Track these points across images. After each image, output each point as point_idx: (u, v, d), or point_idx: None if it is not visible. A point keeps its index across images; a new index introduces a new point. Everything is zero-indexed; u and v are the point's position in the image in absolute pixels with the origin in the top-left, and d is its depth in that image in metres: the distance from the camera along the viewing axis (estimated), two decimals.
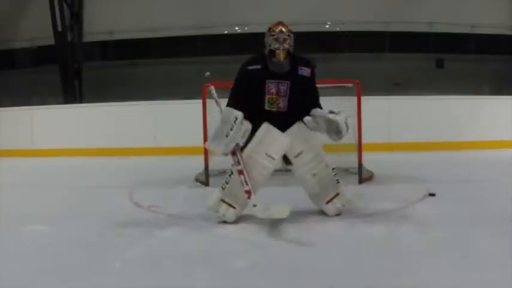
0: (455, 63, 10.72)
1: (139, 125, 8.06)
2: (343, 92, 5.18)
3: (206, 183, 4.91)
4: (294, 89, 3.32)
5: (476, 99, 8.28)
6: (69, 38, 10.94)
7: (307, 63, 3.42)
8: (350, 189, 4.49)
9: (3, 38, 11.33)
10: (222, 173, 4.82)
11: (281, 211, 3.02)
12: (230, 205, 3.29)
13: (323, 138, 3.46)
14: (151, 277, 2.35)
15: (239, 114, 3.17)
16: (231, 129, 3.12)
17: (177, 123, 7.63)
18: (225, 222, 3.28)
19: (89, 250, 2.80)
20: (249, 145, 3.26)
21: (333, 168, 3.43)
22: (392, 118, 7.53)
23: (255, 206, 2.89)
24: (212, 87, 3.48)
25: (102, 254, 2.74)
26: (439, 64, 10.99)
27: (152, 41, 11.20)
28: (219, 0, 10.89)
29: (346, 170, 5.18)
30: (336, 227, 3.18)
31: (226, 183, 3.30)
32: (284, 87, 3.31)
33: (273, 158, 3.27)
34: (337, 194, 3.39)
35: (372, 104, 5.00)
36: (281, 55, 3.32)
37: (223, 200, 3.29)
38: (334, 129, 3.22)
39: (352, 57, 10.56)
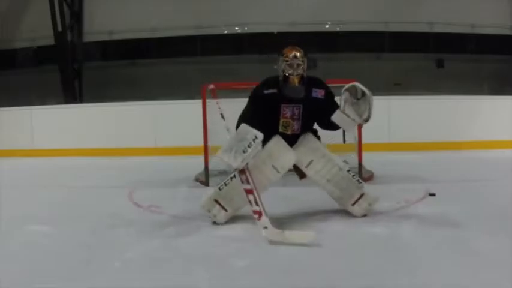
0: (455, 63, 10.72)
1: (139, 125, 8.06)
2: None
3: (206, 183, 4.91)
4: (307, 111, 3.34)
5: (476, 99, 8.28)
6: (69, 37, 10.94)
7: (321, 85, 3.41)
8: None
9: (3, 38, 11.33)
10: (222, 173, 4.83)
11: (303, 236, 2.81)
12: (223, 207, 3.28)
13: (322, 139, 3.47)
14: (151, 277, 2.35)
15: (260, 135, 3.07)
16: (249, 147, 3.01)
17: (177, 123, 7.63)
18: (220, 222, 3.28)
19: (88, 250, 2.80)
20: (259, 154, 3.21)
21: (348, 170, 3.42)
22: (392, 118, 7.53)
23: (265, 228, 2.78)
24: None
25: (102, 254, 2.74)
26: (439, 64, 10.99)
27: (152, 41, 11.19)
28: (219, 0, 10.89)
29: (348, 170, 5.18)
30: (336, 227, 3.18)
31: (225, 184, 3.28)
32: (298, 110, 3.33)
33: (278, 172, 3.27)
34: (362, 195, 3.37)
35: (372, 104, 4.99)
36: (295, 80, 3.32)
37: (216, 201, 3.29)
38: (360, 105, 3.13)
39: (352, 57, 10.56)
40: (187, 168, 5.57)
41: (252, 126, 3.11)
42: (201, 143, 5.12)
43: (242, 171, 3.04)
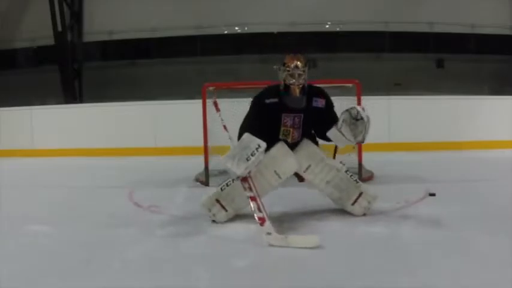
0: (455, 63, 10.72)
1: (139, 125, 8.06)
2: (343, 92, 5.17)
3: (206, 183, 4.91)
4: (307, 120, 3.36)
5: (476, 99, 8.27)
6: (69, 37, 10.94)
7: (322, 94, 3.42)
8: None
9: (3, 38, 11.33)
10: (222, 173, 4.82)
11: (307, 240, 2.79)
12: (223, 207, 3.29)
13: (320, 140, 3.47)
14: (151, 277, 2.36)
15: (263, 144, 3.08)
16: (252, 155, 3.01)
17: (177, 123, 7.63)
18: (220, 222, 3.28)
19: (88, 250, 2.80)
20: (262, 160, 3.18)
21: (346, 171, 3.43)
22: (392, 118, 7.53)
23: (269, 234, 2.78)
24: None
25: (102, 254, 2.74)
26: (439, 64, 11.00)
27: (152, 41, 11.20)
28: (219, 0, 10.89)
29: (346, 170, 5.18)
30: (336, 227, 3.18)
31: (227, 185, 3.29)
32: (299, 119, 3.35)
33: (280, 177, 3.29)
34: (360, 194, 3.38)
35: (372, 104, 4.99)
36: (296, 90, 3.33)
37: (217, 201, 3.29)
38: (357, 126, 3.18)
39: (352, 57, 10.56)
40: (187, 168, 5.57)
41: (254, 134, 3.12)
42: (201, 143, 5.12)
43: (244, 179, 3.04)
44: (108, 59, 11.57)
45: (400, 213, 3.49)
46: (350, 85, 5.08)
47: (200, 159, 5.07)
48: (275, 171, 3.28)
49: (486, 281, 2.20)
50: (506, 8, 10.71)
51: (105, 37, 11.24)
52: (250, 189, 3.02)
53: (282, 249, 2.72)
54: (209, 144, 5.11)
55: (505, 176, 5.11)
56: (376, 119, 5.11)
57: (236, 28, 11.18)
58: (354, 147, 4.97)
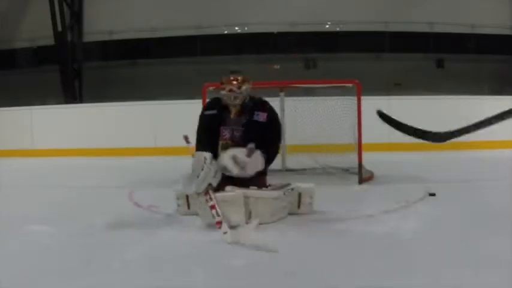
0: (455, 63, 10.73)
1: (139, 125, 8.06)
2: (343, 92, 5.17)
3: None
4: (248, 134, 3.33)
5: (476, 99, 8.27)
6: (69, 37, 10.95)
7: (263, 107, 3.42)
8: (350, 189, 4.55)
9: (3, 38, 11.34)
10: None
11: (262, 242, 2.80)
12: (188, 204, 3.43)
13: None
14: (151, 277, 2.35)
15: (208, 155, 3.15)
16: (202, 170, 3.10)
17: (177, 123, 7.60)
18: (180, 214, 3.46)
19: (88, 250, 2.80)
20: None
21: (287, 190, 3.34)
22: None
23: (225, 233, 2.89)
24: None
25: (102, 254, 2.74)
26: (439, 64, 11.00)
27: (152, 41, 11.21)
28: (219, 0, 10.89)
29: (346, 170, 5.18)
30: (336, 227, 3.18)
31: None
32: (239, 133, 3.37)
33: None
34: (299, 195, 3.37)
35: (372, 104, 5.00)
36: (233, 110, 3.39)
37: (187, 197, 3.41)
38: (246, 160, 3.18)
39: (352, 57, 10.57)
40: (187, 168, 5.55)
41: (203, 146, 3.28)
42: None
43: (206, 193, 3.11)
44: (108, 59, 11.58)
45: (400, 213, 3.49)
46: (350, 85, 5.08)
47: None
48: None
49: (486, 281, 2.19)
50: (506, 8, 10.71)
51: (105, 37, 11.25)
52: (211, 199, 3.07)
53: (281, 249, 2.72)
54: None
55: (505, 176, 5.11)
56: (376, 119, 5.16)
57: (236, 28, 11.19)
58: (354, 148, 4.98)
